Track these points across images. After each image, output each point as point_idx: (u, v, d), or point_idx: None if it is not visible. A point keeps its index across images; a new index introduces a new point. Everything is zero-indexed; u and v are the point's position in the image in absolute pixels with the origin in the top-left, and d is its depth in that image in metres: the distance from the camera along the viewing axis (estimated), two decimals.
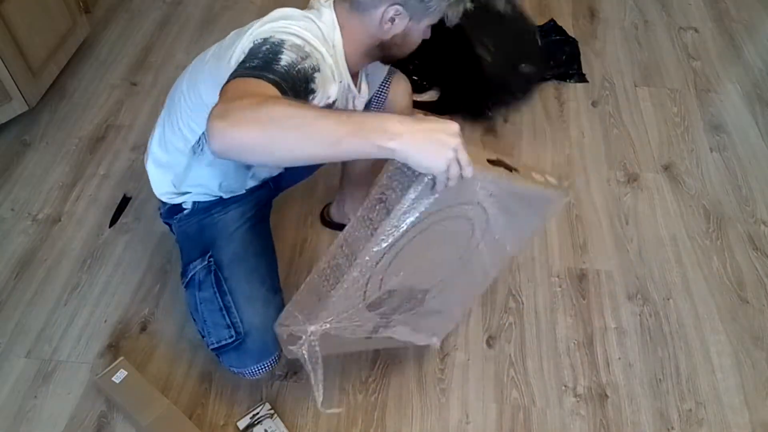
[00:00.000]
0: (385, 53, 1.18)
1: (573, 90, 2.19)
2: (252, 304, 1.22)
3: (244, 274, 1.24)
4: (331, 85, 1.07)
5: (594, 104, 2.14)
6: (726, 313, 1.56)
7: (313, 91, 0.99)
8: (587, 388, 1.42)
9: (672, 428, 1.36)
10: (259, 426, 1.33)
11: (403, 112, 1.40)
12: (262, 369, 1.24)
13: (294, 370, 1.44)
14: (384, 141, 0.80)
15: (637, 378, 1.44)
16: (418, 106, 2.09)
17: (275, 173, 1.38)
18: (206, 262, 1.26)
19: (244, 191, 1.34)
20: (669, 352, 1.49)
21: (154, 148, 1.33)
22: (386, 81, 1.40)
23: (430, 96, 2.12)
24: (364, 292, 1.13)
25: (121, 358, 1.37)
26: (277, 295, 1.27)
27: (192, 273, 1.28)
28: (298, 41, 0.99)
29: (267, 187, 1.42)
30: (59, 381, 1.41)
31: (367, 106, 1.36)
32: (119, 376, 1.33)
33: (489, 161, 1.03)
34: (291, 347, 1.09)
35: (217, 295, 1.24)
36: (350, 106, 1.24)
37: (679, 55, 2.34)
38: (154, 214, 1.69)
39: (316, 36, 1.05)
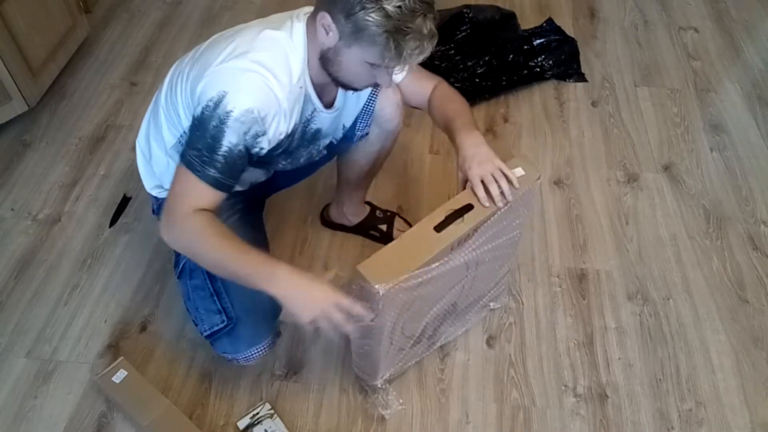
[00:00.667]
0: (327, 69, 1.10)
1: (573, 90, 2.19)
2: (242, 289, 1.19)
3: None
4: (283, 125, 1.12)
5: (594, 104, 2.14)
6: (726, 313, 1.56)
7: (260, 149, 1.11)
8: (587, 388, 1.42)
9: (672, 428, 1.36)
10: (259, 426, 1.33)
11: (391, 123, 1.39)
12: (255, 354, 1.24)
13: (294, 370, 1.44)
14: (270, 289, 1.05)
15: (637, 378, 1.44)
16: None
17: (262, 179, 1.38)
18: None
19: (249, 185, 1.36)
20: (669, 352, 1.49)
21: (142, 143, 1.34)
22: (374, 92, 1.33)
23: None
24: (401, 347, 1.30)
25: (121, 358, 1.37)
26: None
27: (183, 262, 1.29)
28: (244, 109, 1.03)
29: (272, 181, 1.43)
30: (59, 381, 1.41)
31: (357, 120, 1.34)
32: (119, 376, 1.33)
33: (443, 222, 1.14)
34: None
35: (207, 281, 1.25)
36: (312, 124, 1.22)
37: (679, 55, 2.34)
38: None
39: (274, 72, 1.05)
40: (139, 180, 1.39)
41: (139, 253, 1.65)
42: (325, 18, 1.02)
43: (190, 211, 1.07)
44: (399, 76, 1.31)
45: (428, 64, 2.10)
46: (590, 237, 1.73)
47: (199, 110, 1.06)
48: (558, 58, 2.22)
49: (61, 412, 1.36)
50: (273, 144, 1.13)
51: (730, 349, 1.49)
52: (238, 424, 1.33)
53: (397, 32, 0.97)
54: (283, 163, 1.32)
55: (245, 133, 1.05)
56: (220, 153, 1.05)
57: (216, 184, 1.07)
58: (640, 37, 2.42)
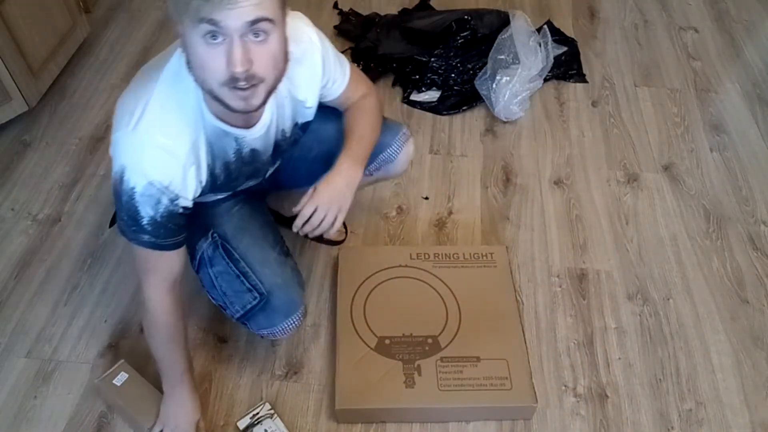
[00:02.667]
0: (196, 80, 0.98)
1: (573, 90, 2.19)
2: (268, 265, 1.25)
3: (252, 242, 1.26)
4: (197, 177, 1.10)
5: (594, 104, 2.14)
6: (726, 313, 1.56)
7: (185, 209, 1.11)
8: (587, 388, 1.42)
9: (672, 428, 1.36)
10: (259, 426, 1.33)
11: (398, 171, 1.47)
12: (291, 325, 1.26)
13: (294, 370, 1.44)
14: (164, 395, 1.28)
15: (637, 378, 1.44)
16: (417, 105, 2.09)
17: (251, 185, 1.37)
18: (210, 239, 1.28)
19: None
20: (669, 352, 1.49)
21: None
22: (398, 145, 1.42)
23: (430, 96, 2.12)
24: None
25: (122, 361, 1.36)
26: (289, 257, 1.30)
27: (200, 253, 1.29)
28: (142, 184, 1.03)
29: (260, 184, 1.42)
30: (59, 381, 1.41)
31: (373, 160, 1.37)
32: (120, 378, 1.33)
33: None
34: None
35: (230, 264, 1.26)
36: (244, 149, 1.17)
37: (679, 55, 2.34)
38: None
39: (166, 133, 1.02)
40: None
41: None
42: (174, 26, 0.95)
43: (162, 291, 1.15)
44: (339, 87, 1.28)
45: (426, 67, 2.12)
46: (590, 237, 1.73)
47: (112, 178, 1.06)
48: (558, 58, 2.22)
49: (61, 411, 1.36)
50: (198, 194, 1.12)
51: (730, 349, 1.49)
52: (238, 424, 1.33)
53: None
54: (244, 185, 1.30)
55: (157, 204, 1.06)
56: (144, 224, 1.07)
57: (156, 246, 1.10)
58: (640, 37, 2.42)
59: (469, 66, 2.14)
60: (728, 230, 1.75)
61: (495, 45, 2.06)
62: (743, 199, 1.83)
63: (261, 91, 0.97)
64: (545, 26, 2.16)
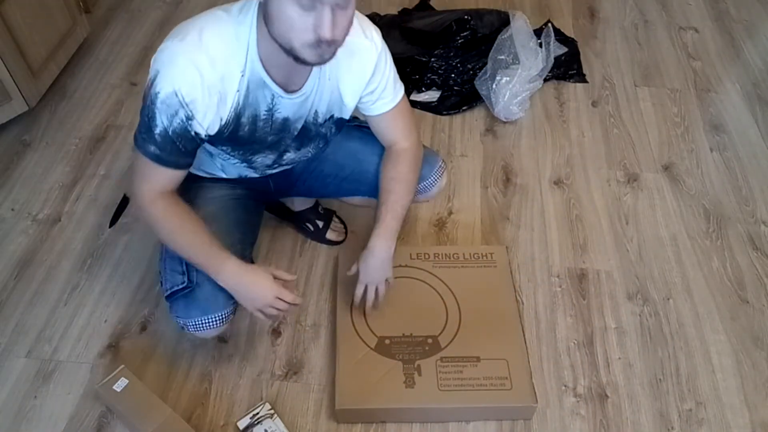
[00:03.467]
0: (271, 34, 1.03)
1: (573, 90, 2.19)
2: None
3: (214, 231, 1.22)
4: (219, 110, 1.11)
5: (594, 104, 2.14)
6: (726, 313, 1.56)
7: (196, 134, 1.11)
8: (587, 388, 1.42)
9: (672, 428, 1.36)
10: (259, 426, 1.33)
11: (425, 197, 1.47)
12: (206, 324, 1.24)
13: (294, 370, 1.44)
14: (218, 282, 1.20)
15: (637, 378, 1.44)
16: (417, 105, 2.09)
17: (252, 175, 1.37)
18: None
19: (238, 176, 1.37)
20: (669, 352, 1.49)
21: None
22: (434, 178, 1.43)
23: (430, 96, 2.12)
24: None
25: (122, 366, 1.36)
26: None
27: None
28: (168, 92, 1.05)
29: (267, 184, 1.42)
30: (59, 381, 1.41)
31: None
32: (120, 384, 1.32)
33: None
34: None
35: None
36: (277, 113, 1.18)
37: (679, 55, 2.34)
38: None
39: (210, 56, 1.04)
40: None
41: (139, 253, 1.65)
42: None
43: (151, 196, 1.14)
44: (382, 106, 1.28)
45: (426, 67, 2.12)
46: (590, 237, 1.73)
47: (146, 83, 1.09)
48: (558, 58, 2.22)
49: (61, 412, 1.36)
50: (214, 129, 1.13)
51: (730, 349, 1.49)
52: (238, 424, 1.33)
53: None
54: (261, 155, 1.28)
55: (173, 116, 1.07)
56: (156, 132, 1.08)
57: (159, 160, 1.11)
58: (640, 37, 2.42)
59: (469, 66, 2.14)
60: (728, 230, 1.75)
61: (495, 45, 2.06)
62: (743, 199, 1.83)
63: (333, 49, 1.04)
64: (548, 26, 2.16)
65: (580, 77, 2.23)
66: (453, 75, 2.13)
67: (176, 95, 1.05)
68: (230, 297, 1.24)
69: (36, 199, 1.79)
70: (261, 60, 1.09)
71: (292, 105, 1.18)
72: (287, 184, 1.46)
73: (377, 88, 1.24)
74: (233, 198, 1.36)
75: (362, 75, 1.22)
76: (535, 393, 1.32)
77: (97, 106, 2.08)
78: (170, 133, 1.08)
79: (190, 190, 1.29)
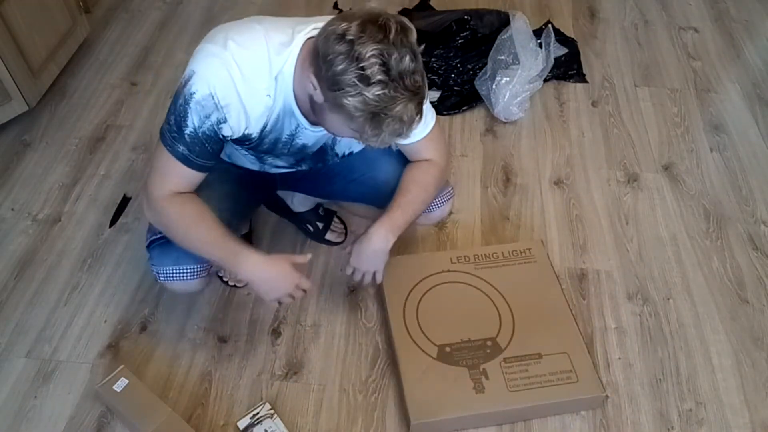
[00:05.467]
0: (314, 113, 1.11)
1: (573, 90, 2.19)
2: None
3: (205, 196, 1.21)
4: (246, 124, 1.13)
5: (594, 104, 2.14)
6: (726, 313, 1.56)
7: (224, 138, 1.13)
8: None
9: (672, 428, 1.36)
10: (259, 426, 1.33)
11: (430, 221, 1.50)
12: (177, 274, 1.25)
13: (294, 370, 1.44)
14: (237, 274, 1.22)
15: (637, 378, 1.44)
16: None
17: (255, 167, 1.37)
18: None
19: (242, 166, 1.37)
20: (669, 352, 1.49)
21: None
22: (439, 201, 1.42)
23: (430, 96, 2.11)
24: None
25: (122, 366, 1.36)
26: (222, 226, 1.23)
27: None
28: (204, 94, 1.06)
29: (273, 174, 1.43)
30: (59, 381, 1.41)
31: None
32: (120, 384, 1.32)
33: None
34: None
35: None
36: (298, 139, 1.21)
37: (679, 55, 2.34)
38: None
39: (243, 72, 1.06)
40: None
41: (139, 253, 1.65)
42: (311, 78, 1.01)
43: (167, 194, 1.14)
44: (415, 135, 1.28)
45: (426, 67, 2.12)
46: (590, 237, 1.73)
47: (179, 81, 1.09)
48: (558, 58, 2.22)
49: (61, 412, 1.36)
50: (237, 134, 1.14)
51: (730, 349, 1.49)
52: (238, 424, 1.33)
53: (375, 117, 0.96)
54: (273, 159, 1.31)
55: (206, 117, 1.08)
56: (186, 132, 1.09)
57: (185, 161, 1.12)
58: (640, 37, 2.42)
59: (469, 66, 2.14)
60: (728, 230, 1.75)
61: (495, 45, 2.06)
62: (743, 199, 1.83)
63: None
64: (548, 26, 2.16)
65: (580, 77, 2.23)
66: (453, 75, 2.13)
67: (212, 98, 1.06)
68: (204, 259, 1.23)
69: (36, 199, 1.79)
70: (294, 95, 1.11)
71: (314, 136, 1.21)
72: (293, 180, 1.47)
73: None
74: (234, 173, 1.36)
75: None
76: (601, 382, 1.34)
77: (97, 106, 2.08)
78: (200, 134, 1.09)
79: None
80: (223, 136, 1.12)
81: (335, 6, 2.49)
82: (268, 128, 1.16)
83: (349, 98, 0.94)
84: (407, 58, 0.94)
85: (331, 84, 0.96)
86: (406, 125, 0.99)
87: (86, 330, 1.50)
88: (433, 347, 1.39)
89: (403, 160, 1.36)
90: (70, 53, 2.14)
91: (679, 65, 2.29)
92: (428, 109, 1.26)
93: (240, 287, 1.57)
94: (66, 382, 1.41)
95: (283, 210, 1.68)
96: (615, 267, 1.66)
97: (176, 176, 1.14)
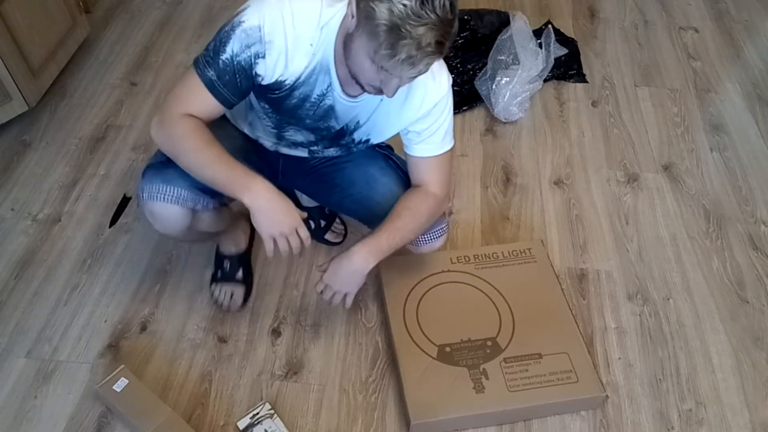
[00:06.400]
0: (345, 55, 1.08)
1: (573, 90, 2.19)
2: None
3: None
4: (283, 65, 1.12)
5: (594, 104, 2.14)
6: (726, 313, 1.56)
7: (256, 75, 1.12)
8: None
9: (672, 428, 1.36)
10: (259, 426, 1.33)
11: (427, 248, 1.43)
12: (161, 194, 1.21)
13: (294, 370, 1.44)
14: (243, 198, 1.12)
15: (637, 378, 1.44)
16: None
17: (269, 140, 1.36)
18: None
19: (257, 138, 1.36)
20: (669, 352, 1.49)
21: None
22: (430, 237, 1.39)
23: None
24: None
25: (122, 366, 1.36)
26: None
27: None
28: (253, 24, 1.07)
29: (276, 165, 1.42)
30: (59, 381, 1.41)
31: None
32: (120, 384, 1.33)
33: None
34: None
35: None
36: (326, 100, 1.19)
37: (679, 55, 2.34)
38: None
39: (293, 20, 1.07)
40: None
41: (139, 253, 1.65)
42: (351, 2, 1.01)
43: (183, 113, 1.12)
44: (422, 150, 1.27)
45: None
46: (590, 237, 1.73)
47: (229, 17, 1.10)
48: (558, 58, 2.22)
49: (61, 412, 1.36)
50: (270, 79, 1.13)
51: (730, 349, 1.49)
52: (238, 424, 1.33)
53: (395, 31, 0.94)
54: (293, 129, 1.29)
55: (247, 47, 1.08)
56: (222, 57, 1.09)
57: (211, 87, 1.11)
58: (640, 37, 2.42)
59: (469, 66, 2.14)
60: (728, 230, 1.75)
61: (495, 46, 2.06)
62: (743, 199, 1.83)
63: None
64: (548, 27, 2.16)
65: (580, 77, 2.23)
66: (453, 75, 2.13)
67: (260, 30, 1.07)
68: (196, 185, 1.21)
69: (36, 199, 1.78)
70: (334, 50, 1.11)
71: (342, 103, 1.20)
72: (295, 174, 1.45)
73: (426, 129, 1.23)
74: (240, 141, 1.34)
75: (415, 110, 1.21)
76: (601, 382, 1.34)
77: (97, 106, 2.08)
78: (235, 62, 1.09)
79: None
80: (256, 73, 1.11)
81: None
82: (301, 79, 1.15)
83: (377, 5, 0.94)
84: None
85: None
86: (424, 54, 0.97)
87: (86, 330, 1.50)
88: (433, 347, 1.39)
89: (403, 186, 1.34)
90: (70, 53, 2.14)
91: (679, 65, 2.29)
92: (449, 131, 1.26)
93: (234, 309, 1.53)
94: (66, 382, 1.41)
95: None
96: (615, 267, 1.66)
97: (197, 100, 1.12)
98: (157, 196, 1.21)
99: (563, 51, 2.25)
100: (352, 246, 1.27)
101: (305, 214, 1.20)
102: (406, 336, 1.41)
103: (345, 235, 1.70)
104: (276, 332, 1.50)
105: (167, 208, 1.22)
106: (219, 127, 1.30)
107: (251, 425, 1.33)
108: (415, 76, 1.04)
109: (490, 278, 1.51)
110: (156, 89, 2.14)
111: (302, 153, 1.37)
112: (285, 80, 1.15)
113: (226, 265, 1.54)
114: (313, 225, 1.67)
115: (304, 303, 1.56)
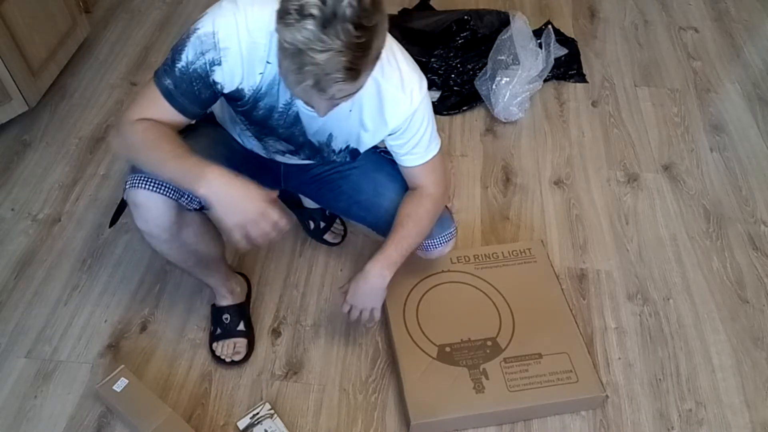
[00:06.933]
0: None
1: (573, 90, 2.19)
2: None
3: (191, 136, 1.19)
4: (240, 75, 1.10)
5: (594, 104, 2.14)
6: (726, 313, 1.56)
7: (215, 83, 1.10)
8: None
9: (672, 428, 1.36)
10: (259, 426, 1.33)
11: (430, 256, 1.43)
12: (143, 181, 1.15)
13: (294, 370, 1.44)
14: (198, 190, 1.04)
15: (637, 378, 1.44)
16: None
17: (261, 152, 1.35)
18: None
19: (239, 141, 1.35)
20: (669, 352, 1.49)
21: None
22: (440, 240, 1.38)
23: (430, 96, 2.11)
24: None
25: (122, 366, 1.36)
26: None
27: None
28: (207, 31, 1.06)
29: (278, 171, 1.41)
30: (59, 381, 1.41)
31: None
32: (120, 384, 1.32)
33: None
34: None
35: None
36: (293, 108, 1.17)
37: (679, 55, 2.34)
38: None
39: (247, 26, 1.05)
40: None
41: (139, 253, 1.65)
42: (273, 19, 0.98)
43: (138, 118, 1.10)
44: (409, 161, 1.27)
45: (426, 67, 2.12)
46: (590, 237, 1.73)
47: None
48: (558, 58, 2.22)
49: (61, 412, 1.36)
50: (231, 87, 1.12)
51: (730, 349, 1.49)
52: (238, 424, 1.33)
53: (299, 57, 0.90)
54: (272, 139, 1.28)
55: (202, 54, 1.07)
56: (178, 66, 1.08)
57: (168, 95, 1.09)
58: (640, 37, 2.42)
59: (469, 66, 2.14)
60: (728, 230, 1.75)
61: (495, 46, 2.06)
62: (743, 199, 1.83)
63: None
64: (548, 27, 2.16)
65: (580, 77, 2.23)
66: (453, 75, 2.13)
67: (214, 36, 1.06)
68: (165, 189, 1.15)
69: (36, 199, 1.78)
70: None
71: (305, 115, 1.18)
72: (299, 181, 1.44)
73: (407, 143, 1.22)
74: (244, 168, 1.27)
75: (386, 124, 1.19)
76: (601, 382, 1.34)
77: (97, 106, 2.08)
78: (191, 70, 1.08)
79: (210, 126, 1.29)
80: (214, 81, 1.10)
81: None
82: (263, 90, 1.13)
83: (284, 27, 0.89)
84: (350, 6, 0.86)
85: (279, 12, 0.91)
86: (332, 81, 0.91)
87: (86, 330, 1.50)
88: (433, 347, 1.39)
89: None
90: (70, 53, 2.14)
91: (679, 65, 2.29)
92: (432, 137, 1.25)
93: (238, 360, 1.46)
94: (66, 382, 1.41)
95: (292, 201, 1.68)
96: (615, 267, 1.66)
97: (154, 109, 1.10)
98: (139, 184, 1.14)
99: (563, 51, 2.25)
100: (366, 264, 1.28)
101: (275, 193, 1.10)
102: (406, 336, 1.41)
103: (344, 236, 1.70)
104: (276, 332, 1.50)
105: (151, 197, 1.15)
106: (221, 142, 1.31)
107: (251, 425, 1.33)
108: (341, 100, 0.99)
109: (490, 278, 1.51)
110: None
111: (298, 161, 1.37)
112: (244, 89, 1.13)
113: (226, 319, 1.46)
114: (312, 225, 1.67)
115: (304, 303, 1.56)
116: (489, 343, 1.39)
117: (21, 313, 1.53)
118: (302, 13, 0.87)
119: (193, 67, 1.08)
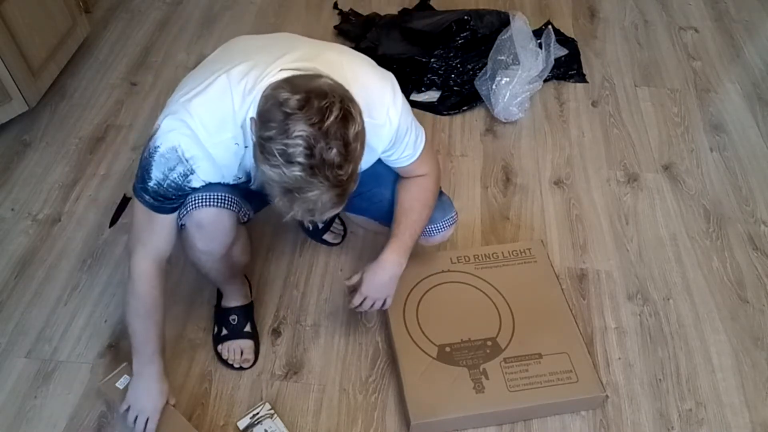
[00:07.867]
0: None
1: (573, 90, 2.19)
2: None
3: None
4: (220, 172, 1.12)
5: (594, 104, 2.14)
6: (726, 313, 1.56)
7: (192, 189, 1.13)
8: None
9: (672, 428, 1.36)
10: (259, 426, 1.33)
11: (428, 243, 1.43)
12: (209, 199, 1.17)
13: (294, 370, 1.44)
14: (134, 366, 1.27)
15: (637, 378, 1.44)
16: (417, 106, 2.09)
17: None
18: None
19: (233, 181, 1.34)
20: (669, 352, 1.49)
21: None
22: (441, 225, 1.39)
23: (430, 96, 2.12)
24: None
25: (125, 363, 1.35)
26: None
27: None
28: (168, 147, 1.06)
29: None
30: (59, 381, 1.41)
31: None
32: (123, 381, 1.33)
33: None
34: None
35: None
36: None
37: (679, 55, 2.34)
38: None
39: (206, 129, 1.05)
40: None
41: None
42: (253, 125, 0.98)
43: (144, 265, 1.19)
44: (402, 161, 1.27)
45: (426, 67, 2.12)
46: (590, 237, 1.73)
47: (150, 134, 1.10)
48: (558, 58, 2.22)
49: (62, 412, 1.36)
50: (214, 180, 1.13)
51: (730, 349, 1.49)
52: (238, 424, 1.33)
53: (288, 194, 0.94)
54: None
55: (171, 170, 1.08)
56: (150, 185, 1.10)
57: (156, 208, 1.13)
58: (640, 37, 2.42)
59: (469, 66, 2.14)
60: (728, 230, 1.75)
61: (495, 46, 2.06)
62: (743, 199, 1.83)
63: None
64: (549, 27, 2.16)
65: (580, 77, 2.23)
66: (453, 75, 2.13)
67: (176, 150, 1.06)
68: (242, 199, 1.21)
69: (36, 199, 1.79)
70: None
71: None
72: None
73: (395, 152, 1.23)
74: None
75: (375, 150, 1.20)
76: (601, 382, 1.34)
77: (97, 106, 2.08)
78: (165, 185, 1.10)
79: None
80: (192, 188, 1.12)
81: (335, 6, 2.49)
82: (251, 172, 1.16)
83: (269, 167, 0.93)
84: (335, 150, 0.91)
85: (260, 144, 0.94)
86: (319, 211, 0.97)
87: (86, 330, 1.50)
88: (433, 347, 1.39)
89: None
90: (70, 53, 2.14)
91: (679, 65, 2.29)
92: (417, 137, 1.24)
93: (247, 367, 1.46)
94: (66, 382, 1.41)
95: None
96: (615, 267, 1.66)
97: (150, 228, 1.16)
98: (204, 202, 1.16)
99: (563, 51, 2.25)
100: (380, 255, 1.29)
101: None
102: (406, 336, 1.40)
103: (344, 236, 1.70)
104: (276, 332, 1.50)
105: (220, 214, 1.17)
106: None
107: (251, 425, 1.33)
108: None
109: (490, 278, 1.51)
110: (156, 89, 2.14)
111: None
112: (229, 181, 1.15)
113: (233, 320, 1.46)
114: (311, 226, 1.67)
115: (304, 303, 1.56)
116: (489, 343, 1.39)
117: (21, 313, 1.53)
118: (288, 160, 0.90)
119: (166, 183, 1.09)
